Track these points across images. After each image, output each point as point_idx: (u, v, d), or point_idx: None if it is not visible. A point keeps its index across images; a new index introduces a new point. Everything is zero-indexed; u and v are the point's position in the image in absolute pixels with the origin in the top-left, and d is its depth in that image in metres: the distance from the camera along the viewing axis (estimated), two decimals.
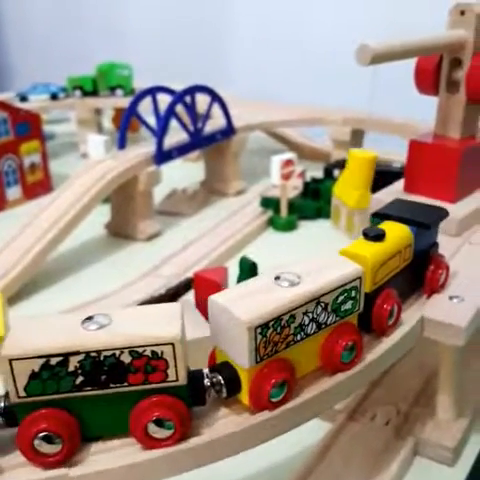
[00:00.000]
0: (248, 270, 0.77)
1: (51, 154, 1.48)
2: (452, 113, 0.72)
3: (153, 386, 0.37)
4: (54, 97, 1.64)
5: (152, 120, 1.16)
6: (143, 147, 1.16)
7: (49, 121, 1.87)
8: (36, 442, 0.36)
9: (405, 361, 0.69)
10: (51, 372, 0.35)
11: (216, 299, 0.39)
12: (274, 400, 0.40)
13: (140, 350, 0.36)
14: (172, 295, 0.80)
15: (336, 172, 1.20)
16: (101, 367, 0.36)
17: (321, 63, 1.80)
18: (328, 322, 0.42)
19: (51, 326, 0.37)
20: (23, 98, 1.62)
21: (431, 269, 0.54)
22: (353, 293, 0.43)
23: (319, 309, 0.41)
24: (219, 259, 1.01)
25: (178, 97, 1.16)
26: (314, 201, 1.20)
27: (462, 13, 0.68)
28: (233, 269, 0.79)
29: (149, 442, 0.37)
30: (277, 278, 0.41)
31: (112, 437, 0.39)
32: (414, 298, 0.54)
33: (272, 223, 1.16)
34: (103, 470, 0.37)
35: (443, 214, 0.55)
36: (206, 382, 0.39)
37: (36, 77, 1.82)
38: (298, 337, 0.40)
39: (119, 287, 0.91)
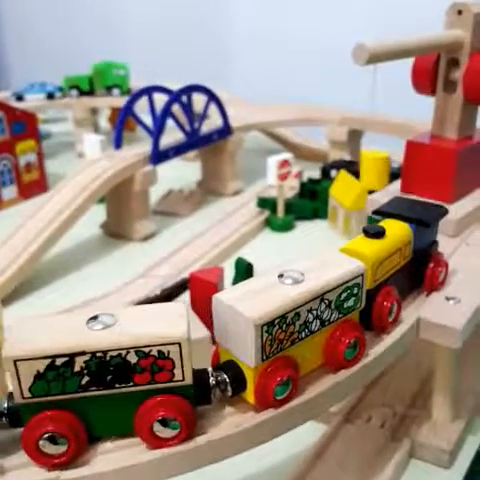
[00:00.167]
0: (244, 271, 0.77)
1: (47, 154, 1.48)
2: (449, 113, 0.72)
3: (159, 386, 0.37)
4: (50, 96, 1.63)
5: (149, 120, 1.16)
6: (139, 147, 1.16)
7: (45, 120, 1.87)
8: (41, 443, 0.35)
9: (401, 362, 0.69)
10: (56, 373, 0.35)
11: (221, 298, 0.39)
12: (279, 398, 0.40)
13: (146, 350, 0.36)
14: (167, 296, 0.80)
15: (333, 172, 1.20)
16: (107, 367, 0.36)
17: (318, 63, 1.80)
18: (331, 319, 0.42)
19: (56, 326, 0.37)
20: (19, 97, 1.62)
21: (431, 267, 0.54)
22: (355, 290, 0.43)
23: (323, 306, 0.41)
24: (216, 259, 1.00)
25: (174, 97, 1.16)
26: (311, 201, 1.19)
27: (459, 13, 0.67)
28: (230, 270, 0.79)
29: (155, 442, 0.37)
30: (281, 276, 0.42)
31: (117, 437, 0.38)
32: (413, 296, 0.55)
33: (269, 223, 1.16)
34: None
35: (443, 212, 0.55)
36: (211, 381, 0.39)
37: (32, 76, 1.82)
38: (302, 334, 0.41)
39: (114, 287, 0.90)
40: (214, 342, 0.70)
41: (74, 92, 1.64)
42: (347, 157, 1.39)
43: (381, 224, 0.50)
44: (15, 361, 0.34)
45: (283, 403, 0.40)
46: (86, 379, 0.36)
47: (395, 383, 0.66)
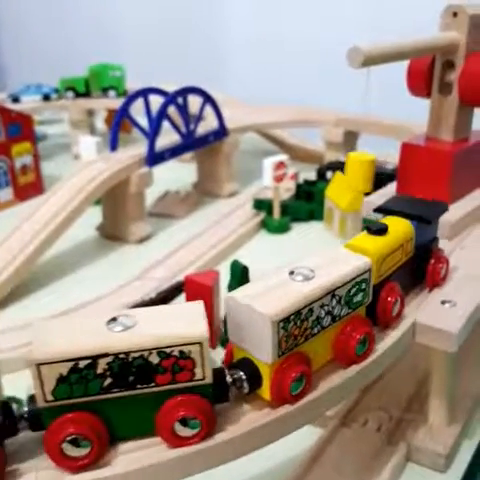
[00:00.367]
0: (239, 274, 0.77)
1: (43, 155, 1.47)
2: (445, 115, 0.71)
3: (179, 385, 0.37)
4: (46, 98, 1.63)
5: (144, 121, 1.16)
6: (135, 149, 1.16)
7: (41, 122, 1.87)
8: (65, 446, 0.35)
9: (397, 365, 0.68)
10: (79, 375, 0.35)
11: (235, 296, 0.40)
12: (294, 393, 0.41)
13: (168, 350, 0.36)
14: (163, 299, 0.80)
15: (329, 174, 1.20)
16: (129, 368, 0.36)
17: (314, 64, 1.80)
18: (341, 314, 0.43)
19: (76, 329, 0.37)
20: (15, 99, 1.62)
21: (432, 263, 0.55)
22: (363, 285, 0.44)
23: (334, 302, 0.42)
24: (211, 262, 1.00)
25: (170, 98, 1.15)
26: (307, 203, 1.19)
27: (455, 15, 0.67)
28: (225, 272, 0.79)
29: (176, 441, 0.38)
30: (291, 273, 0.42)
31: (138, 437, 0.38)
32: (415, 292, 0.55)
33: (265, 225, 1.16)
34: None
35: (443, 209, 0.56)
36: (227, 379, 0.40)
37: (28, 78, 1.81)
38: (315, 330, 0.42)
39: (110, 290, 0.90)
40: (214, 344, 0.70)
41: (70, 94, 1.64)
42: (343, 158, 1.38)
43: (383, 221, 0.51)
44: (38, 365, 0.34)
45: (298, 399, 0.41)
46: (108, 381, 0.36)
47: (391, 386, 0.66)
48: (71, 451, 0.36)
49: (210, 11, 2.02)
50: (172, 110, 1.18)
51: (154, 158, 1.13)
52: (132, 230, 1.11)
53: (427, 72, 0.72)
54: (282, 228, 1.14)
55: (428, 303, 0.54)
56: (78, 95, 1.65)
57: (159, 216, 1.24)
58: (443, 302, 0.54)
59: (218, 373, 0.39)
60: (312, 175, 1.25)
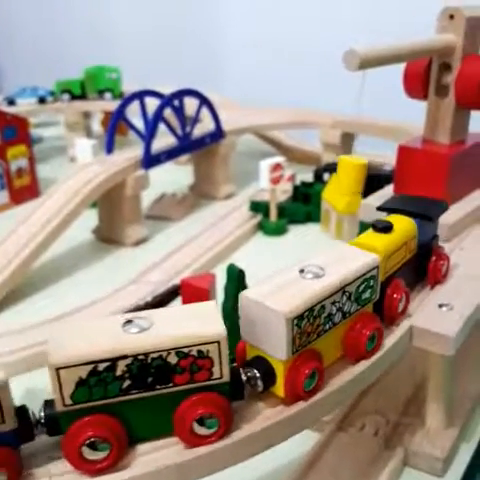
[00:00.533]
0: (235, 278, 0.76)
1: (39, 158, 1.47)
2: (441, 118, 0.71)
3: (197, 385, 0.37)
4: (42, 101, 1.63)
5: (141, 124, 1.15)
6: (131, 151, 1.15)
7: (37, 125, 1.86)
8: (84, 449, 0.35)
9: (394, 368, 0.68)
10: (98, 378, 0.35)
11: (248, 295, 0.40)
12: (307, 390, 0.41)
13: (186, 350, 0.36)
14: (159, 302, 0.79)
15: (326, 176, 1.20)
16: (148, 369, 0.36)
17: (311, 66, 1.80)
18: (351, 311, 0.44)
19: (93, 331, 0.36)
20: (11, 102, 1.61)
21: (433, 260, 0.55)
22: (372, 282, 0.45)
23: (344, 298, 0.43)
24: (207, 264, 1.00)
25: (166, 101, 1.15)
26: (304, 205, 1.19)
27: (451, 17, 0.67)
28: (222, 274, 0.78)
29: (194, 440, 0.38)
30: (301, 271, 0.43)
31: (156, 438, 0.38)
32: (417, 289, 0.56)
33: (262, 227, 1.16)
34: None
35: (444, 207, 0.57)
36: (242, 377, 0.40)
37: (24, 81, 1.81)
38: (327, 327, 0.42)
39: (106, 293, 0.90)
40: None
41: (66, 96, 1.64)
42: None
43: (387, 219, 0.52)
44: (57, 369, 0.34)
45: (311, 395, 0.42)
46: (127, 383, 0.36)
47: (388, 390, 0.66)
48: (90, 454, 0.35)
49: (207, 13, 2.01)
50: (168, 112, 1.18)
51: (150, 160, 1.13)
52: (128, 233, 1.11)
53: (424, 74, 0.71)
54: (279, 230, 1.14)
55: (425, 306, 0.54)
56: (74, 97, 1.65)
57: (155, 219, 1.23)
58: (440, 306, 0.53)
59: (233, 371, 0.39)
60: (309, 177, 1.25)
